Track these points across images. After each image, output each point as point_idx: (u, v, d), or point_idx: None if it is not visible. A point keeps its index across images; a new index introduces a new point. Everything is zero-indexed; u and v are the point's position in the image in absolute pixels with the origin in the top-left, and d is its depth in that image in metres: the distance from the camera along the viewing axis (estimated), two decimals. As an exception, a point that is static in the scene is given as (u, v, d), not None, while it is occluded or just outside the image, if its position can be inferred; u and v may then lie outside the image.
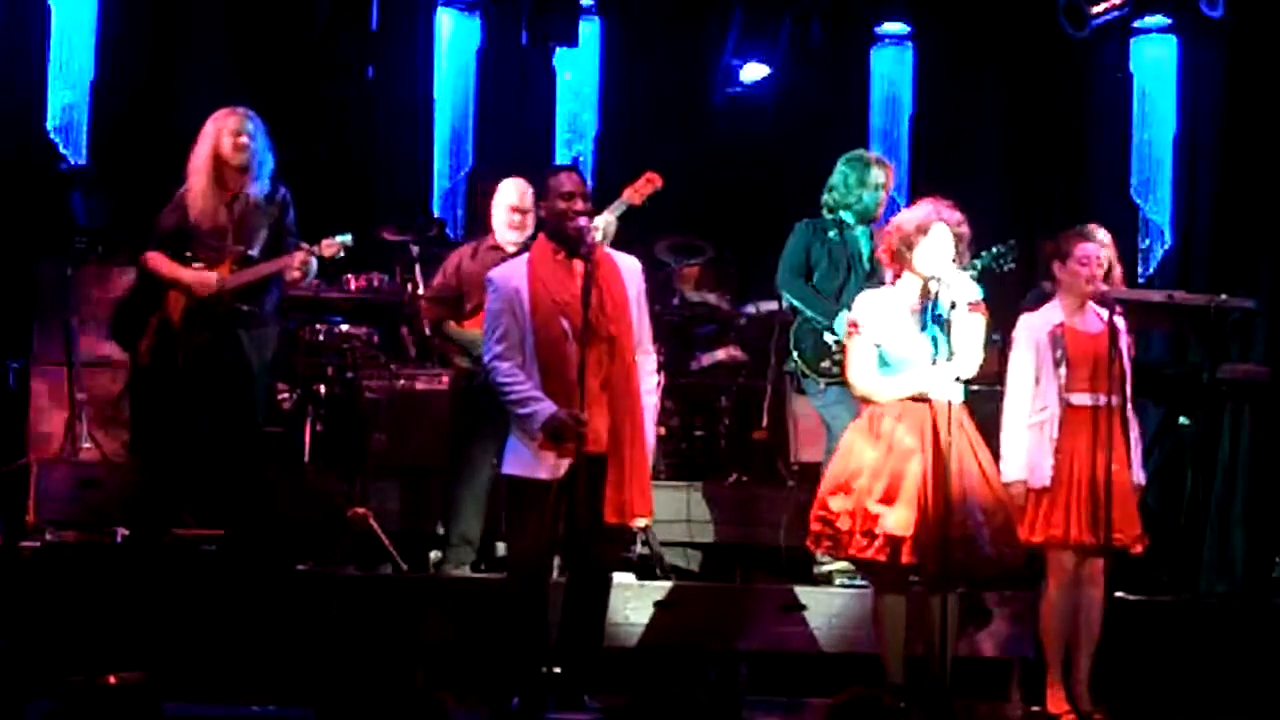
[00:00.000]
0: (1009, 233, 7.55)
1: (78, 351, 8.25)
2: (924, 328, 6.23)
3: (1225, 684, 7.16)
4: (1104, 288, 6.57)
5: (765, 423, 8.68)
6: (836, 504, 6.23)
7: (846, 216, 7.48)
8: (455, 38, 9.99)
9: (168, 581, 6.95)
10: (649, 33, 10.07)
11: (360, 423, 8.09)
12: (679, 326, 9.11)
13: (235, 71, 9.29)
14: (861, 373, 6.34)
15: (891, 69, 10.21)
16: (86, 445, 8.13)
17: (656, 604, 7.09)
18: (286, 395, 8.34)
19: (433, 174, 9.95)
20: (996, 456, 6.43)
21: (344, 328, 8.43)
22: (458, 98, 9.99)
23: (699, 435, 8.97)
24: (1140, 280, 9.44)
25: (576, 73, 10.08)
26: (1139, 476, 6.62)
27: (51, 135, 9.28)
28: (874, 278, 6.99)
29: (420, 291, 7.97)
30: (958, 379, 6.24)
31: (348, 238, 7.39)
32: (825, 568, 7.39)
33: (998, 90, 10.05)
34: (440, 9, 9.95)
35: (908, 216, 6.38)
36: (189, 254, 7.17)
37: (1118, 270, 6.73)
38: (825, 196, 7.53)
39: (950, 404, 6.16)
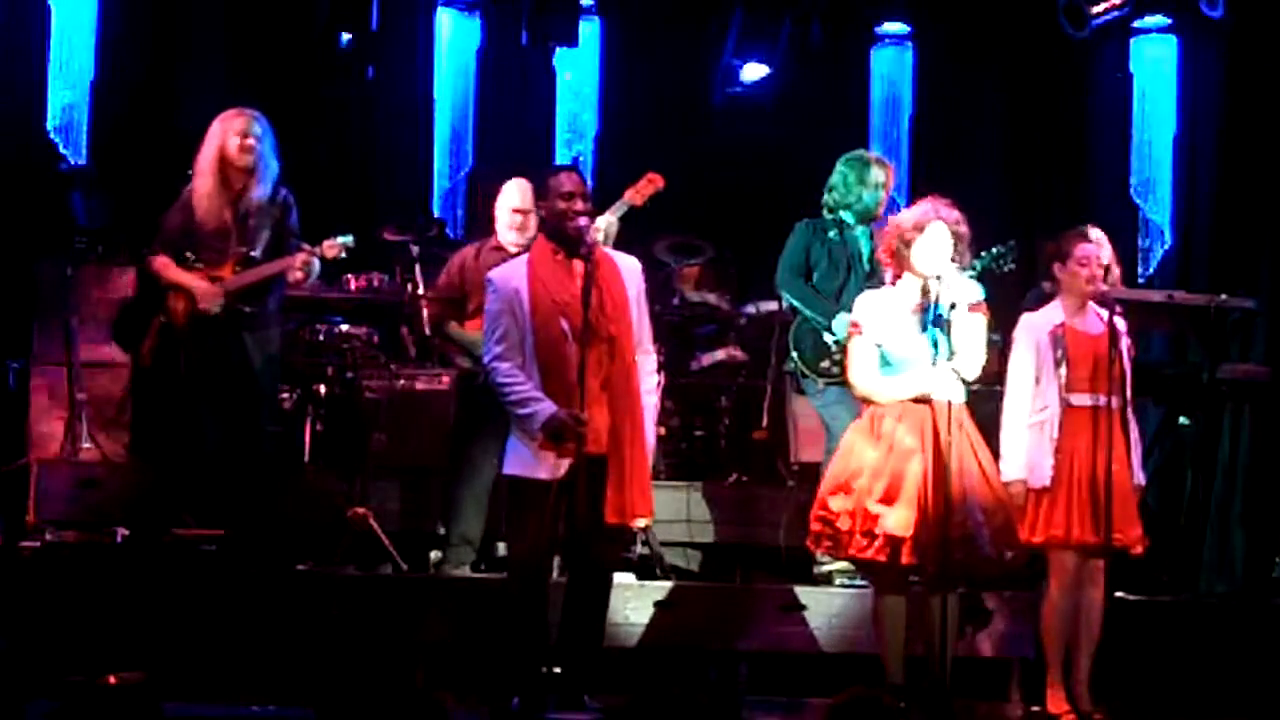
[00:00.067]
0: (1009, 233, 7.54)
1: (78, 352, 8.24)
2: (924, 328, 6.22)
3: (1225, 684, 7.16)
4: (1104, 288, 6.57)
5: (765, 423, 8.67)
6: (836, 504, 6.24)
7: (846, 216, 7.48)
8: (455, 38, 9.98)
9: (168, 581, 6.95)
10: (649, 33, 10.06)
11: (360, 423, 8.09)
12: (679, 326, 9.11)
13: (235, 71, 9.28)
14: (862, 373, 6.35)
15: (891, 69, 10.20)
16: (86, 445, 8.12)
17: (656, 604, 7.09)
18: (286, 395, 8.34)
19: (433, 174, 9.93)
20: (996, 456, 6.43)
21: (344, 328, 8.42)
22: (458, 98, 9.98)
23: (699, 435, 8.96)
24: (1140, 280, 9.43)
25: (576, 73, 10.07)
26: (1139, 477, 6.61)
27: (51, 135, 9.27)
28: (874, 278, 6.98)
29: (420, 291, 7.96)
30: (962, 380, 6.24)
31: (349, 239, 7.39)
32: (825, 568, 7.39)
33: (998, 90, 10.04)
34: (440, 9, 9.94)
35: (905, 215, 6.39)
36: (191, 255, 7.18)
37: (1116, 271, 6.74)
38: (825, 196, 7.53)
39: (950, 404, 6.16)
